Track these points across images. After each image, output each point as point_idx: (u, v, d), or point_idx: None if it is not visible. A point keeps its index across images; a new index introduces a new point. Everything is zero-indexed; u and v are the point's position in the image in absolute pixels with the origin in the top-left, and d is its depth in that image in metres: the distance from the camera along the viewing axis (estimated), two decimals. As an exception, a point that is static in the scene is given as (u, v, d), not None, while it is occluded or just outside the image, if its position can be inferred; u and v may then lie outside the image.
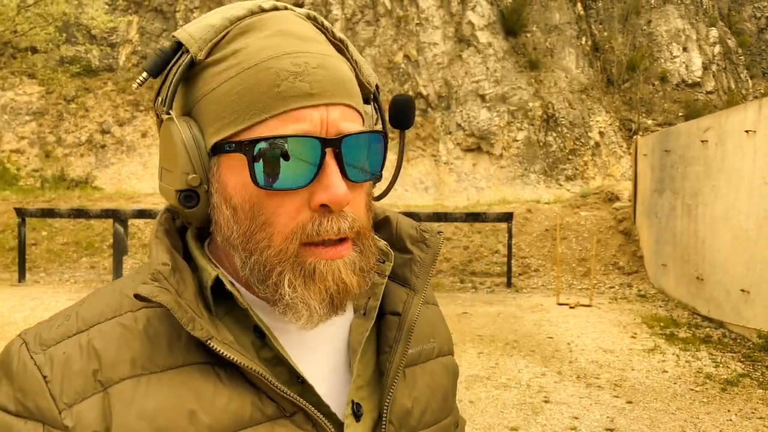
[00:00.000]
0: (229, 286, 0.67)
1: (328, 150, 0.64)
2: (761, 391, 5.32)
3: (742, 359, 6.17)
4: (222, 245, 0.70)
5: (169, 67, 0.67)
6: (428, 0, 19.95)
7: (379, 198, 0.79)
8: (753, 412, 4.86)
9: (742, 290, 6.75)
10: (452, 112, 19.13)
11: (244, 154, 0.63)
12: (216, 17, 0.68)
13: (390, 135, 0.74)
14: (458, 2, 20.11)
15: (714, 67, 22.10)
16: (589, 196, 13.16)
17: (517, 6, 20.36)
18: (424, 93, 19.31)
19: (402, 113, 0.77)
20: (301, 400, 0.65)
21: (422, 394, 0.77)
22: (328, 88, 0.65)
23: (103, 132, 18.91)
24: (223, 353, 0.62)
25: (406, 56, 19.60)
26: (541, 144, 18.84)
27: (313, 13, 0.73)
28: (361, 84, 0.75)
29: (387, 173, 0.70)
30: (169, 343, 0.65)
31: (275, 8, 0.70)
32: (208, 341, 0.62)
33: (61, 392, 0.62)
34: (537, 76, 19.81)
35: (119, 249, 9.87)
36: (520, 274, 10.68)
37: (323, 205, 0.64)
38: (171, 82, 0.67)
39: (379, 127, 0.78)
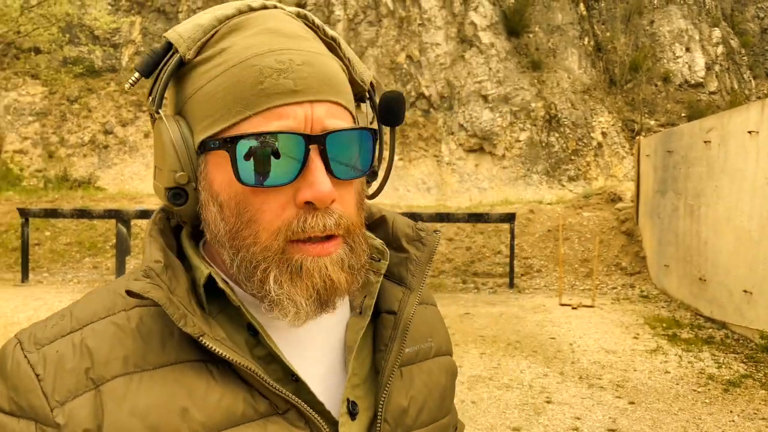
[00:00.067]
0: (221, 284, 0.67)
1: (313, 147, 0.64)
2: (764, 391, 5.31)
3: (744, 360, 6.16)
4: (212, 243, 0.70)
5: (160, 67, 0.68)
6: (431, 0, 19.95)
7: (373, 196, 0.79)
8: (755, 413, 4.85)
9: (745, 291, 6.74)
10: (455, 112, 19.13)
11: (227, 150, 0.64)
12: (205, 17, 0.69)
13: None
14: (461, 3, 20.11)
15: (717, 68, 22.07)
16: (592, 196, 13.15)
17: (520, 6, 20.35)
18: (427, 93, 19.31)
19: (391, 110, 0.76)
20: (293, 396, 0.65)
21: (419, 393, 0.77)
22: (313, 85, 0.65)
23: (106, 132, 18.95)
24: (215, 350, 0.63)
25: (409, 57, 19.60)
26: (543, 144, 18.83)
27: (303, 11, 0.73)
28: (355, 82, 0.75)
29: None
30: (162, 341, 0.66)
31: (264, 7, 0.70)
32: (200, 338, 0.63)
33: (53, 390, 0.62)
34: (539, 77, 19.80)
35: (122, 249, 9.89)
36: (522, 275, 10.68)
37: (308, 202, 0.64)
38: (160, 82, 0.68)
39: (375, 125, 0.78)
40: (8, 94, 18.81)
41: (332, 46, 0.73)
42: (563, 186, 18.18)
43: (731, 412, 4.89)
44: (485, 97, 19.17)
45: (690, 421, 4.70)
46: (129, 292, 0.65)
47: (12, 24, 16.14)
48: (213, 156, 0.66)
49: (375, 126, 0.78)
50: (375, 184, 0.81)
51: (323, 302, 0.66)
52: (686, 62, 21.94)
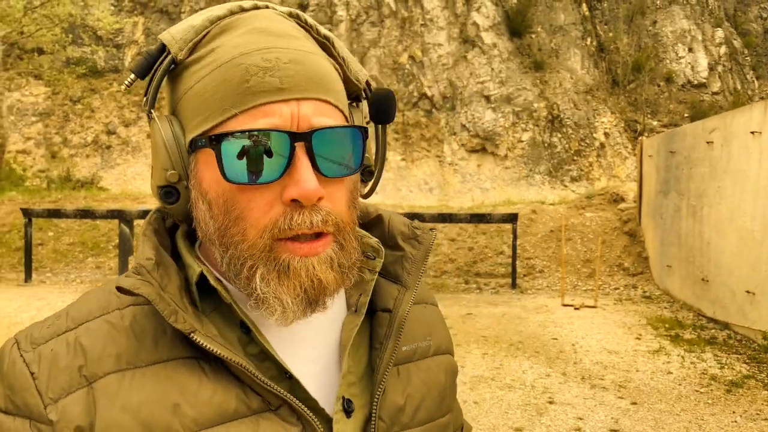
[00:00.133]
0: (213, 282, 0.67)
1: (299, 144, 0.64)
2: (766, 392, 5.31)
3: (747, 361, 6.15)
4: (204, 241, 0.71)
5: (154, 68, 0.69)
6: (433, 1, 19.95)
7: (366, 195, 0.79)
8: (758, 414, 4.85)
9: (748, 291, 6.73)
10: (457, 113, 19.13)
11: (212, 148, 0.65)
12: (198, 18, 0.70)
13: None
14: (463, 3, 20.11)
15: (720, 68, 22.04)
16: (594, 197, 13.14)
17: (522, 7, 20.35)
18: (429, 94, 19.31)
19: (382, 108, 0.76)
20: (285, 392, 0.65)
21: (416, 392, 0.76)
22: (300, 83, 0.65)
23: (109, 133, 18.99)
24: (206, 346, 0.63)
25: (411, 57, 19.60)
26: (546, 145, 18.82)
27: (296, 11, 0.73)
28: (350, 81, 0.75)
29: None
30: (155, 338, 0.66)
31: (256, 7, 0.71)
32: (191, 334, 0.63)
33: (47, 388, 0.63)
34: (542, 77, 19.79)
35: (125, 249, 9.91)
36: (524, 275, 10.67)
37: (295, 200, 0.64)
38: (154, 83, 0.69)
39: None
40: (11, 94, 18.85)
41: (325, 45, 0.73)
42: (566, 186, 18.17)
43: (734, 412, 4.88)
44: (488, 98, 19.17)
45: (692, 421, 4.70)
46: (119, 288, 0.66)
47: (15, 25, 16.18)
48: (202, 154, 0.67)
49: (365, 124, 0.78)
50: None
51: (311, 302, 0.66)
52: (689, 62, 21.92)
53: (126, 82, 0.71)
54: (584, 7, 22.12)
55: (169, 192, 0.69)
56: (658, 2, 22.87)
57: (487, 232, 11.88)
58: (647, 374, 5.78)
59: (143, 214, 10.20)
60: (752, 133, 6.73)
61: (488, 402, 5.05)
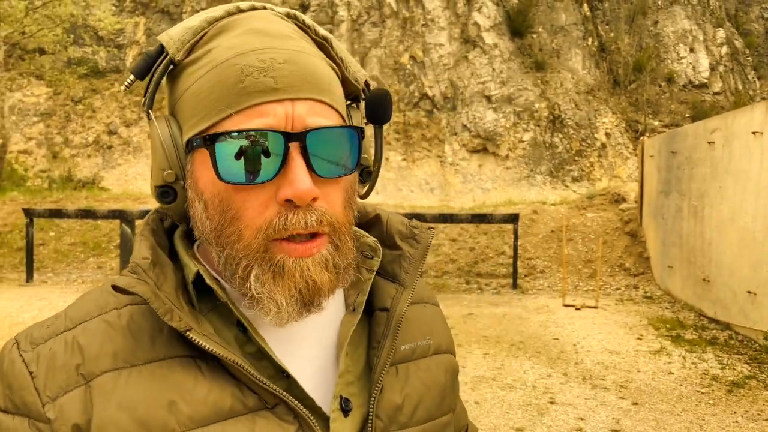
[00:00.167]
0: (208, 281, 0.68)
1: (293, 144, 0.64)
2: (767, 392, 5.31)
3: (748, 361, 6.15)
4: (201, 241, 0.71)
5: (153, 69, 0.70)
6: (434, 1, 19.96)
7: (364, 196, 0.79)
8: (759, 414, 4.85)
9: (749, 292, 6.72)
10: (458, 113, 19.13)
11: (206, 148, 0.65)
12: (196, 19, 0.70)
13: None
14: (464, 3, 20.11)
15: (721, 68, 22.02)
16: (596, 197, 13.13)
17: (523, 7, 20.35)
18: (430, 94, 19.31)
19: (377, 108, 0.76)
20: (281, 390, 0.65)
21: (415, 391, 0.76)
22: (295, 84, 0.65)
23: (110, 133, 19.01)
24: (201, 344, 0.63)
25: (412, 57, 19.61)
26: (547, 145, 18.82)
27: (293, 11, 0.73)
28: (348, 82, 0.75)
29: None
30: (152, 337, 0.67)
31: (253, 8, 0.71)
32: (187, 332, 0.63)
33: (45, 386, 0.64)
34: (543, 77, 19.79)
35: (126, 249, 9.92)
36: (525, 276, 10.67)
37: (289, 200, 0.64)
38: (152, 83, 0.70)
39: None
40: (13, 94, 18.87)
41: (324, 46, 0.73)
42: (567, 187, 18.16)
43: (735, 413, 4.88)
44: (489, 98, 19.17)
45: (693, 421, 4.70)
46: (114, 287, 0.66)
47: (17, 25, 16.21)
48: (198, 154, 0.67)
49: (361, 124, 0.78)
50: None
51: (306, 302, 0.66)
52: (690, 63, 21.91)
53: (126, 83, 0.72)
54: (585, 7, 22.11)
55: (165, 192, 0.70)
56: (659, 2, 22.86)
57: (488, 233, 11.88)
58: (648, 374, 5.78)
59: (144, 214, 10.21)
60: (753, 133, 6.72)
61: (489, 402, 5.05)
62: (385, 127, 18.52)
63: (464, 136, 18.82)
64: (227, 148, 0.64)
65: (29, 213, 10.33)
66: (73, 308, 0.71)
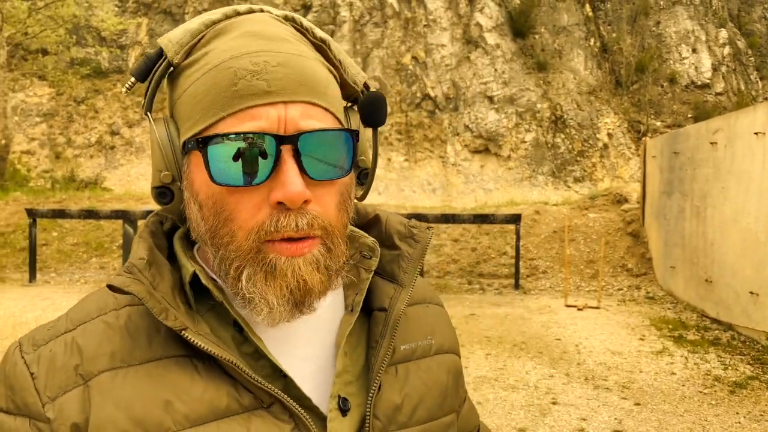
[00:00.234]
0: (205, 281, 0.68)
1: (285, 147, 0.64)
2: (770, 393, 5.30)
3: (750, 361, 6.15)
4: (198, 242, 0.72)
5: (153, 72, 0.71)
6: (436, 2, 19.96)
7: (361, 198, 0.79)
8: (761, 415, 4.84)
9: (751, 292, 6.72)
10: (460, 113, 19.13)
11: (199, 150, 0.66)
12: (195, 22, 0.71)
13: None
14: (466, 4, 20.11)
15: (723, 69, 22.00)
16: (598, 197, 13.12)
17: (525, 7, 20.34)
18: (432, 94, 19.31)
19: (372, 111, 0.76)
20: (276, 390, 0.66)
21: (415, 390, 0.76)
22: (288, 86, 0.66)
23: (113, 133, 19.04)
24: (197, 343, 0.64)
25: (414, 58, 19.61)
26: (549, 145, 18.81)
27: (291, 14, 0.74)
28: (347, 84, 0.76)
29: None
30: (149, 337, 0.68)
31: (251, 11, 0.72)
32: (182, 332, 0.64)
33: (45, 387, 0.65)
34: (545, 78, 19.78)
35: (129, 250, 9.91)
36: (528, 276, 10.67)
37: (281, 203, 0.64)
38: (151, 86, 0.71)
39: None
40: (16, 95, 18.91)
41: (322, 48, 0.74)
42: (569, 187, 18.16)
43: (737, 413, 4.87)
44: (491, 98, 19.17)
45: (696, 422, 4.70)
46: (110, 287, 0.67)
47: (20, 26, 16.25)
48: (193, 156, 0.68)
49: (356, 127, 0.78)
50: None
51: (297, 303, 0.67)
52: (693, 63, 21.88)
53: (126, 85, 0.73)
54: (587, 7, 22.10)
55: (162, 192, 0.71)
56: (661, 3, 22.84)
57: (491, 233, 11.88)
58: (651, 375, 5.77)
59: (147, 214, 10.22)
60: (756, 133, 6.72)
61: (491, 402, 5.06)
62: (387, 127, 18.52)
63: (466, 137, 18.82)
64: (219, 151, 0.64)
65: (32, 213, 10.35)
66: (74, 310, 0.72)
